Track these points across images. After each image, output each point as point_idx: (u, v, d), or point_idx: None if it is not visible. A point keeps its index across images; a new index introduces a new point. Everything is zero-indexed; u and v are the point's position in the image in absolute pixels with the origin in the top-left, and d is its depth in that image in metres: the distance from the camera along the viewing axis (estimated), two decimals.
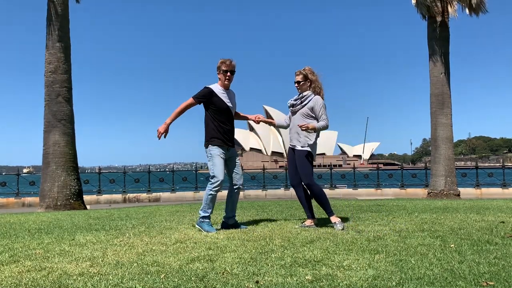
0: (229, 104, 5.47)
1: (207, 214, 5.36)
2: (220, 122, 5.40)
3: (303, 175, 5.43)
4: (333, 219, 5.38)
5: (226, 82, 5.46)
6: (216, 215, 6.96)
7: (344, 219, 6.13)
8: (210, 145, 5.39)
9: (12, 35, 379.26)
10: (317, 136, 5.57)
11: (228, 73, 5.45)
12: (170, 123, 5.31)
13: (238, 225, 5.57)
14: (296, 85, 5.58)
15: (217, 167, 5.32)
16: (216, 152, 5.35)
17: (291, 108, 5.62)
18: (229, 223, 5.55)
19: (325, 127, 5.46)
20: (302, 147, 5.45)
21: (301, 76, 5.54)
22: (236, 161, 5.58)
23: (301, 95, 5.55)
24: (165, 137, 5.30)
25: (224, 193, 5.64)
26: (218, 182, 5.30)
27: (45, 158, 12.62)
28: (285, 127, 5.94)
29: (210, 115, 5.43)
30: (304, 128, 5.26)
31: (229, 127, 5.46)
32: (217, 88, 5.47)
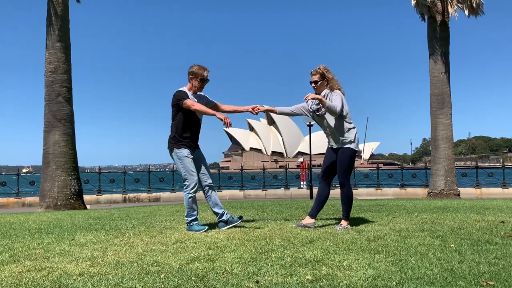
0: None
1: (193, 217, 5.36)
2: (188, 125, 5.39)
3: (342, 170, 5.35)
4: (343, 222, 5.36)
5: (198, 92, 5.48)
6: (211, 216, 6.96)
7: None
8: (175, 148, 5.40)
9: (12, 35, 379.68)
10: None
11: (204, 83, 5.49)
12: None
13: (233, 218, 5.53)
14: (313, 85, 5.42)
15: (188, 169, 5.34)
16: (184, 153, 5.35)
17: (316, 113, 5.41)
18: (224, 220, 5.48)
19: (334, 110, 5.15)
20: (345, 145, 5.32)
21: (318, 75, 5.37)
22: (204, 162, 5.57)
23: (320, 95, 5.31)
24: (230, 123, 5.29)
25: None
26: (193, 183, 5.33)
27: (45, 158, 12.63)
28: (289, 115, 5.84)
29: (179, 118, 5.41)
30: (311, 98, 5.15)
31: (195, 130, 5.48)
32: (187, 91, 5.47)
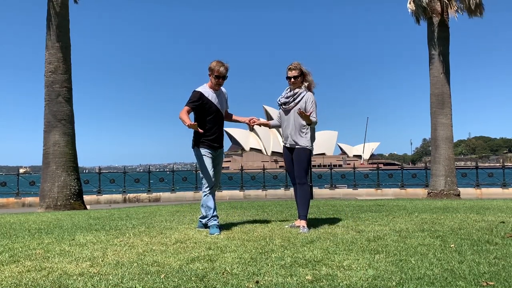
0: (219, 106, 5.37)
1: (210, 217, 5.21)
2: (209, 124, 5.30)
3: (300, 172, 5.36)
4: (302, 223, 5.25)
5: (215, 87, 5.36)
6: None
7: (344, 219, 6.14)
8: (196, 147, 5.35)
9: (12, 34, 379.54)
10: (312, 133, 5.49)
11: (220, 79, 5.32)
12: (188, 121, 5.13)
13: (213, 228, 5.17)
14: (292, 80, 5.35)
15: (204, 168, 5.30)
16: (201, 152, 5.30)
17: (283, 107, 5.43)
18: (204, 224, 5.36)
19: (315, 124, 5.36)
20: (303, 144, 5.33)
21: (297, 71, 5.32)
22: (220, 165, 5.52)
23: (293, 92, 5.36)
24: (196, 127, 5.10)
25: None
26: (208, 182, 5.28)
27: (45, 158, 12.63)
28: (278, 126, 5.76)
29: (199, 117, 5.32)
30: (300, 112, 5.11)
31: (217, 129, 5.39)
32: (206, 89, 5.36)
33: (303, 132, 5.35)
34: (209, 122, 5.32)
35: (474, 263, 3.37)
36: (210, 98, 5.32)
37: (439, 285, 2.83)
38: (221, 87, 5.49)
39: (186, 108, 5.27)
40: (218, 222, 5.20)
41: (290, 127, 5.39)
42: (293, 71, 5.34)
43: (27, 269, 3.48)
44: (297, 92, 5.36)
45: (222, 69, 5.29)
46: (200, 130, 5.16)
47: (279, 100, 5.49)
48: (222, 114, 5.46)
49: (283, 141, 5.64)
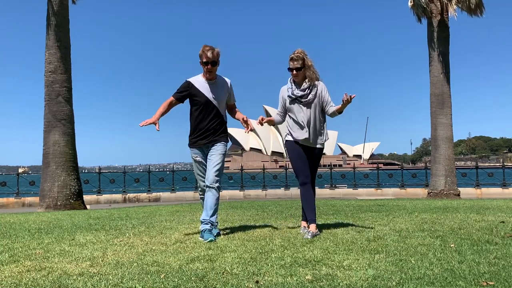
0: (210, 97, 4.80)
1: (202, 220, 4.80)
2: (201, 118, 4.82)
3: (315, 173, 5.06)
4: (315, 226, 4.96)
5: (207, 75, 4.81)
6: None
7: (344, 219, 6.15)
8: (189, 147, 5.00)
9: (12, 34, 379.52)
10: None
11: (209, 65, 4.73)
12: (158, 118, 4.76)
13: (205, 234, 4.66)
14: (295, 72, 4.83)
15: (195, 171, 5.06)
16: (191, 154, 4.96)
17: (303, 100, 4.85)
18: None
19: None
20: (324, 144, 5.01)
21: (301, 61, 4.80)
22: (212, 157, 4.82)
23: (306, 84, 4.85)
24: (157, 127, 4.73)
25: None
26: (200, 186, 5.08)
27: (45, 158, 12.63)
28: (281, 123, 5.36)
29: (191, 111, 4.92)
30: (348, 97, 4.64)
31: (211, 123, 4.83)
32: (198, 79, 4.86)
33: (323, 128, 4.98)
34: (199, 115, 4.84)
35: (474, 263, 3.37)
36: (200, 88, 4.81)
37: (439, 285, 2.83)
38: (224, 78, 4.98)
39: (170, 98, 4.86)
40: (210, 227, 4.71)
41: (312, 122, 4.87)
42: (295, 62, 4.82)
43: (27, 269, 3.48)
44: (311, 84, 4.86)
45: (209, 53, 4.70)
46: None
47: (292, 94, 4.88)
48: (216, 106, 4.84)
49: (294, 137, 4.96)
